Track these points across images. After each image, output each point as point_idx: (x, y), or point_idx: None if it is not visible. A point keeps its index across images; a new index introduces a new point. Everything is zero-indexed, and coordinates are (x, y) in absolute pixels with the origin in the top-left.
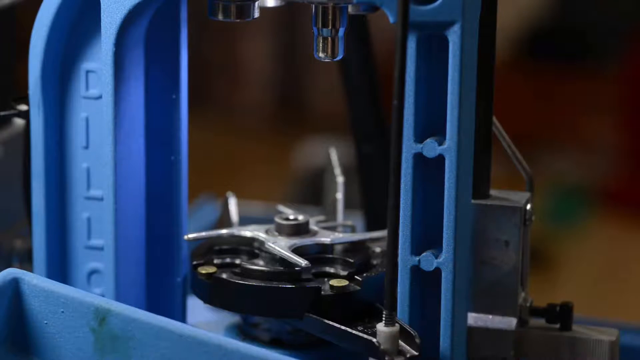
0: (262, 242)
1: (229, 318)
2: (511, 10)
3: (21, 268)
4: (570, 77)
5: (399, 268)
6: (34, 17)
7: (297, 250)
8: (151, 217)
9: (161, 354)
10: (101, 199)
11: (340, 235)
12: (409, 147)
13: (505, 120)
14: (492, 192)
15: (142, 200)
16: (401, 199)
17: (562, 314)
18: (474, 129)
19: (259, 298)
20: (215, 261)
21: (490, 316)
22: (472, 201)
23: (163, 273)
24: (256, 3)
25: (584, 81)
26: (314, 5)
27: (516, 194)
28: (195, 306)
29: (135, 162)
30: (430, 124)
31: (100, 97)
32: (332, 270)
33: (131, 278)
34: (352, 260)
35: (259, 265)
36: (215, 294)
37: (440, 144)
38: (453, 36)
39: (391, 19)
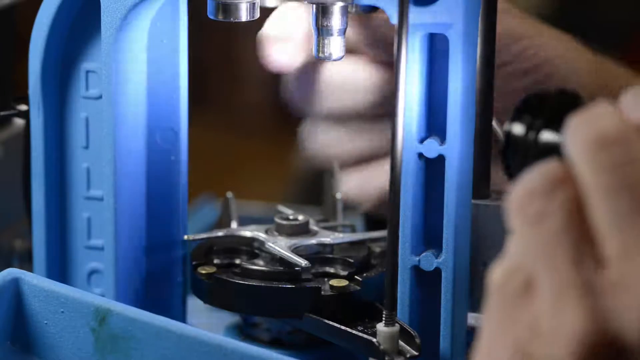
0: (262, 242)
1: (229, 318)
2: None
3: (21, 268)
4: None
5: (399, 268)
6: (34, 17)
7: (297, 250)
8: (151, 217)
9: (161, 354)
10: (101, 199)
11: (340, 235)
12: (409, 147)
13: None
14: (492, 192)
15: (142, 200)
16: (401, 199)
17: None
18: (474, 129)
19: (259, 298)
20: (215, 261)
21: None
22: (472, 201)
23: (163, 273)
24: (256, 3)
25: None
26: (314, 5)
27: None
28: (195, 306)
29: (135, 162)
30: (430, 124)
31: (100, 97)
32: (332, 270)
33: (131, 278)
34: (352, 260)
35: (259, 265)
36: (215, 294)
37: (440, 144)
38: (453, 36)
39: (391, 19)
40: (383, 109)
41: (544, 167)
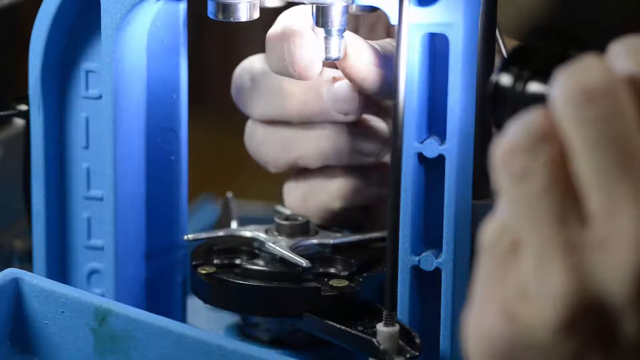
0: (262, 242)
1: (229, 318)
2: (511, 10)
3: (21, 268)
4: None
5: (399, 268)
6: (34, 17)
7: (297, 250)
8: (151, 217)
9: (161, 354)
10: (101, 199)
11: (340, 235)
12: (409, 147)
13: None
14: (492, 192)
15: (142, 200)
16: (401, 199)
17: None
18: (474, 129)
19: (259, 298)
20: (215, 261)
21: None
22: (472, 201)
23: (163, 273)
24: (256, 3)
25: None
26: (314, 6)
27: None
28: (195, 306)
29: (135, 162)
30: (430, 124)
31: (100, 97)
32: (332, 270)
33: (131, 278)
34: (352, 260)
35: (259, 265)
36: (215, 294)
37: (440, 144)
38: (453, 36)
39: (391, 20)
40: (324, 116)
41: (528, 117)
